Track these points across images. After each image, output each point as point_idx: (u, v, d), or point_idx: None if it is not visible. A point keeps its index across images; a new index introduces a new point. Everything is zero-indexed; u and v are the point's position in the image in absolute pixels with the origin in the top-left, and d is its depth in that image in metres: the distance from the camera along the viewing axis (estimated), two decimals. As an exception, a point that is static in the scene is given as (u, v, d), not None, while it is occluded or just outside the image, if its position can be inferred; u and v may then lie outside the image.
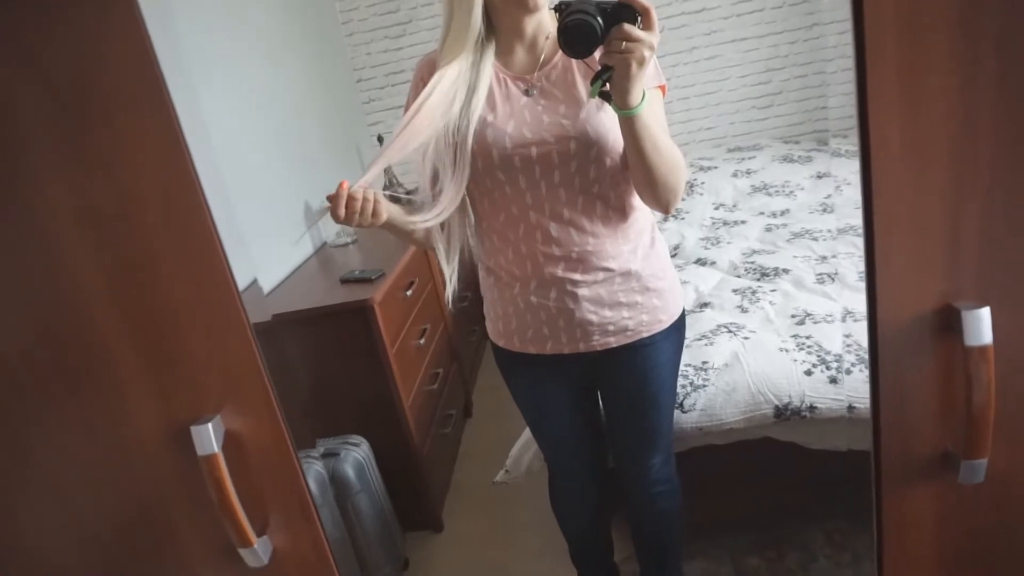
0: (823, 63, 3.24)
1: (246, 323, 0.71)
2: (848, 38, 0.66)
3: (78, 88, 0.66)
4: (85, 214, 0.70)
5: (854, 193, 0.73)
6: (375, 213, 1.15)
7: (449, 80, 1.17)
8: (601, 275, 1.27)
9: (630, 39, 0.98)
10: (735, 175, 3.09)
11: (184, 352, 0.73)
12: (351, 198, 1.13)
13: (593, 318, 1.29)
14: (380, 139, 3.39)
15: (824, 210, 2.71)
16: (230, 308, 0.71)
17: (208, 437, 0.72)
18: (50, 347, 0.74)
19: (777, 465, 1.90)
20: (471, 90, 1.18)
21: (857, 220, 0.72)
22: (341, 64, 3.47)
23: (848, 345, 1.76)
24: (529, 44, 1.22)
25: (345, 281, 2.23)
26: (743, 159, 3.18)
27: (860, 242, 0.72)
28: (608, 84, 1.03)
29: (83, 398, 0.76)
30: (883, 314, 0.71)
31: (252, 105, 2.43)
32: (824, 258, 2.29)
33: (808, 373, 1.71)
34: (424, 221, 1.22)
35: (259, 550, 0.77)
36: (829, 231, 2.51)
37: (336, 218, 1.13)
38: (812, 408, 1.67)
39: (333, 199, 1.13)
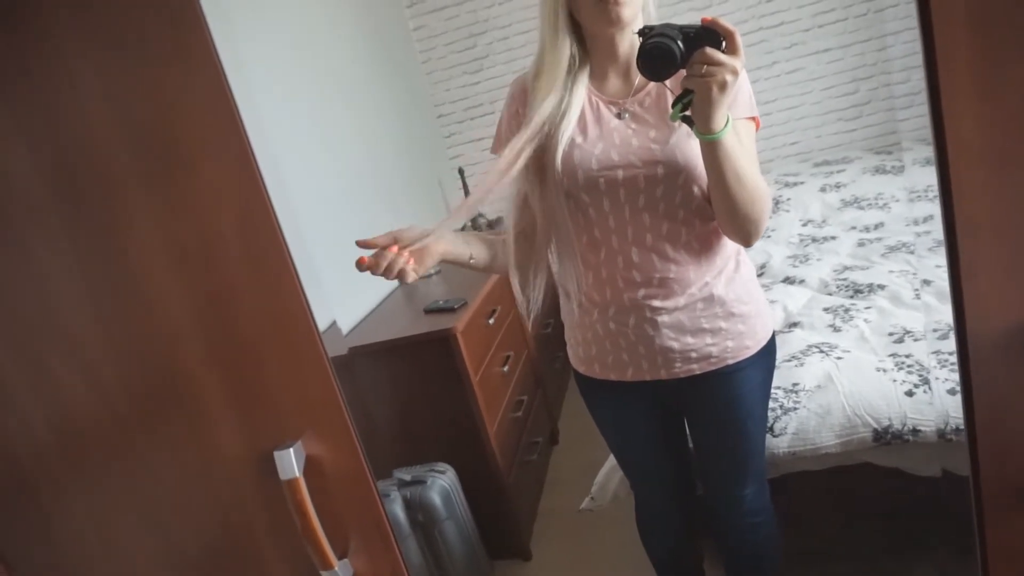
0: (914, 69, 3.09)
1: (323, 353, 0.75)
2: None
3: (166, 137, 0.72)
4: (173, 253, 0.75)
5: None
6: (400, 274, 1.11)
7: (541, 117, 1.18)
8: (682, 301, 1.24)
9: (711, 63, 0.97)
10: (823, 190, 2.98)
11: (265, 381, 0.77)
12: (373, 265, 1.12)
13: (674, 344, 1.27)
14: (461, 171, 3.47)
15: (922, 220, 2.57)
16: (307, 339, 0.75)
17: (290, 462, 0.75)
18: (145, 378, 0.80)
19: (880, 492, 1.80)
20: (562, 113, 1.19)
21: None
22: (421, 101, 3.60)
23: (953, 363, 1.65)
24: (623, 69, 1.22)
25: (429, 311, 2.28)
26: (831, 173, 3.06)
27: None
28: (690, 108, 1.03)
29: (174, 426, 0.81)
30: (972, 328, 0.67)
31: (334, 147, 2.54)
32: (918, 272, 2.17)
33: (909, 394, 1.61)
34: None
35: (340, 573, 0.79)
36: (929, 243, 2.37)
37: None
38: (915, 431, 1.57)
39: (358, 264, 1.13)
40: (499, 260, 1.31)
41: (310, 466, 0.78)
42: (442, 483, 1.98)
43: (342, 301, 2.28)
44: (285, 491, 0.75)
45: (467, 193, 3.44)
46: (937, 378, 1.61)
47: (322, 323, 0.78)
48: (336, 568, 0.78)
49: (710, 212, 1.21)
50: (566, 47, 1.18)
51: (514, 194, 1.28)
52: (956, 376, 1.59)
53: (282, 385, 0.77)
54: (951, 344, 1.72)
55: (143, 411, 0.81)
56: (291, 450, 0.75)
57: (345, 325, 2.26)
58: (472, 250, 1.27)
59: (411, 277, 1.12)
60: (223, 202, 0.73)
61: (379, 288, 2.65)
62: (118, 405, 0.82)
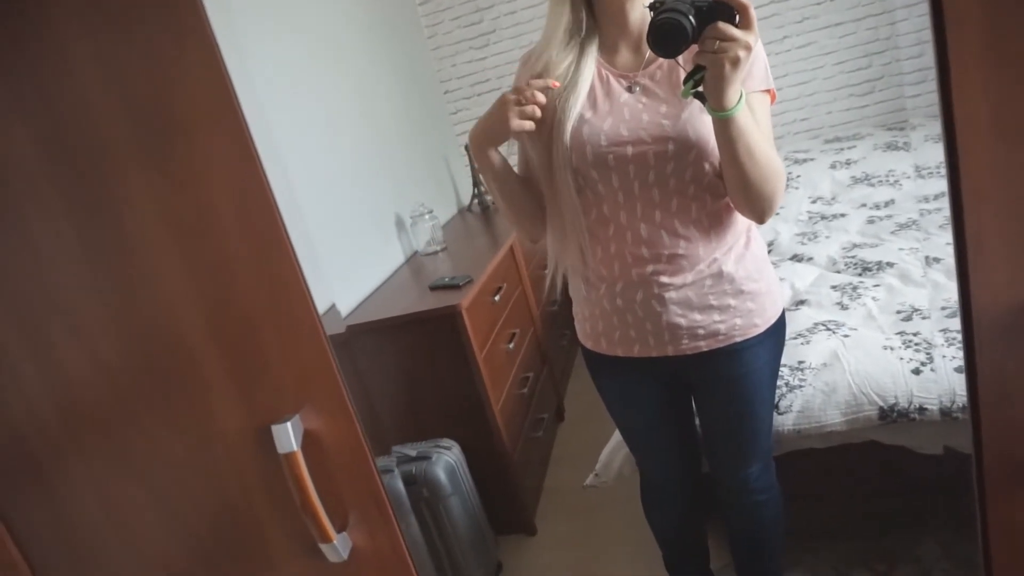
0: (927, 44, 3.04)
1: (319, 326, 0.74)
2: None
3: (159, 107, 0.71)
4: (170, 225, 0.75)
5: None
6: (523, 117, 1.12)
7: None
8: (691, 277, 1.23)
9: (724, 38, 0.95)
10: (833, 167, 2.95)
11: (263, 355, 0.77)
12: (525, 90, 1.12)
13: (681, 321, 1.26)
14: (467, 148, 3.45)
15: (933, 198, 2.54)
16: (304, 313, 0.74)
17: (287, 436, 0.75)
18: (145, 352, 0.80)
19: (886, 470, 1.80)
20: (571, 86, 1.18)
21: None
22: (427, 77, 3.56)
23: (961, 342, 1.63)
24: (635, 42, 1.20)
25: (434, 288, 2.28)
26: (842, 149, 3.02)
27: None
28: (702, 85, 1.01)
29: (174, 400, 0.81)
30: (977, 304, 0.65)
31: (338, 125, 2.52)
32: (928, 249, 2.15)
33: (916, 372, 1.60)
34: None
35: (338, 546, 0.79)
36: (939, 220, 2.35)
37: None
38: (921, 410, 1.56)
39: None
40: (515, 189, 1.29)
41: (309, 440, 0.78)
42: (447, 459, 1.99)
43: (342, 284, 2.29)
44: (283, 465, 0.76)
45: (474, 171, 3.42)
46: (944, 356, 1.60)
47: (321, 306, 0.78)
48: (335, 541, 0.79)
49: (721, 188, 1.19)
50: (565, 12, 1.17)
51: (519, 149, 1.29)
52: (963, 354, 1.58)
53: (280, 359, 0.77)
54: (959, 322, 1.71)
55: (143, 384, 0.82)
56: (288, 424, 0.75)
57: (345, 308, 2.27)
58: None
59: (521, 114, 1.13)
60: (219, 174, 0.73)
61: (389, 260, 2.65)
62: (119, 379, 0.82)
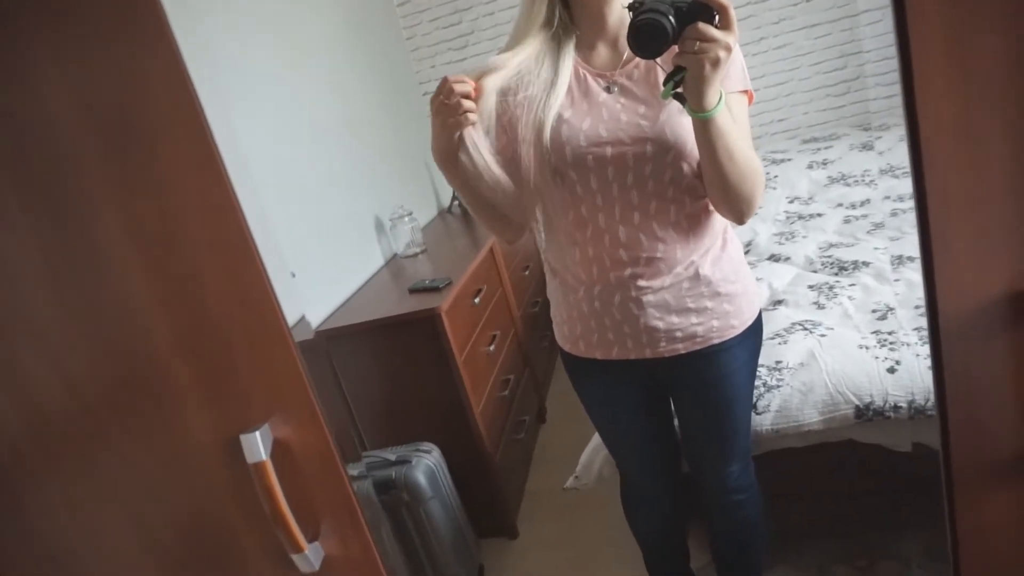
0: (901, 44, 3.07)
1: (287, 335, 0.73)
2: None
3: (122, 117, 0.70)
4: (136, 235, 0.73)
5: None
6: (455, 117, 1.09)
7: (516, 63, 1.15)
8: (668, 280, 1.23)
9: (704, 39, 0.95)
10: (810, 167, 2.97)
11: (231, 363, 0.76)
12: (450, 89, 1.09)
13: (659, 324, 1.26)
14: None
15: (908, 197, 2.57)
16: (271, 321, 0.73)
17: (256, 445, 0.74)
18: (113, 364, 0.79)
19: (864, 469, 1.81)
20: (550, 85, 1.17)
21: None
22: (406, 79, 3.55)
23: (935, 340, 1.65)
24: (612, 41, 1.19)
25: (414, 291, 2.26)
26: (819, 149, 3.05)
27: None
28: (682, 86, 1.00)
29: (144, 414, 0.80)
30: (944, 304, 0.66)
31: (314, 130, 2.50)
32: (903, 249, 2.17)
33: (891, 371, 1.61)
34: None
35: (310, 556, 0.78)
36: (913, 220, 2.37)
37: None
38: (896, 408, 1.58)
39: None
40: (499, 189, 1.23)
41: (279, 450, 0.77)
42: (427, 463, 1.98)
43: (321, 288, 2.27)
44: (252, 475, 0.75)
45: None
46: (918, 355, 1.62)
47: (294, 313, 0.77)
48: (306, 551, 0.78)
49: (700, 190, 1.19)
50: (538, 10, 1.15)
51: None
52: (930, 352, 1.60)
53: (249, 369, 0.76)
54: (933, 320, 1.73)
55: (113, 399, 0.80)
56: (257, 433, 0.74)
57: (324, 311, 2.25)
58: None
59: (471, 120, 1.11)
60: (184, 184, 0.71)
61: (368, 263, 2.64)
62: (88, 394, 0.80)
